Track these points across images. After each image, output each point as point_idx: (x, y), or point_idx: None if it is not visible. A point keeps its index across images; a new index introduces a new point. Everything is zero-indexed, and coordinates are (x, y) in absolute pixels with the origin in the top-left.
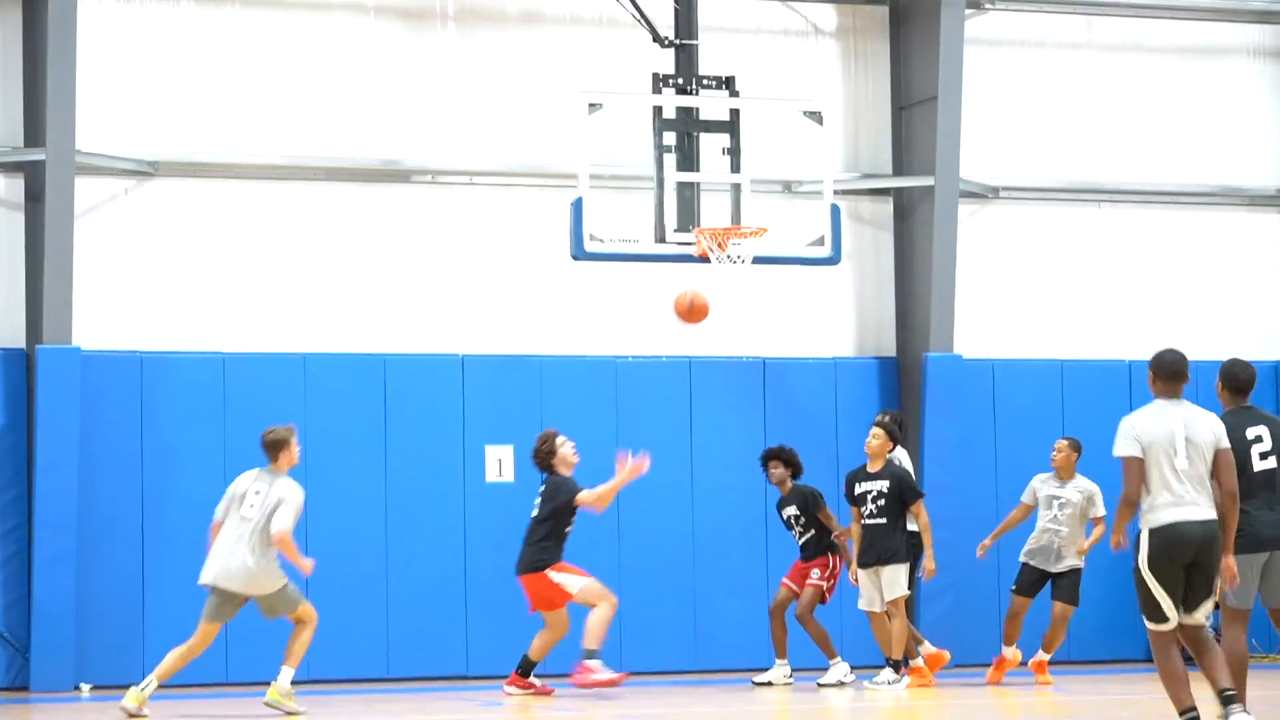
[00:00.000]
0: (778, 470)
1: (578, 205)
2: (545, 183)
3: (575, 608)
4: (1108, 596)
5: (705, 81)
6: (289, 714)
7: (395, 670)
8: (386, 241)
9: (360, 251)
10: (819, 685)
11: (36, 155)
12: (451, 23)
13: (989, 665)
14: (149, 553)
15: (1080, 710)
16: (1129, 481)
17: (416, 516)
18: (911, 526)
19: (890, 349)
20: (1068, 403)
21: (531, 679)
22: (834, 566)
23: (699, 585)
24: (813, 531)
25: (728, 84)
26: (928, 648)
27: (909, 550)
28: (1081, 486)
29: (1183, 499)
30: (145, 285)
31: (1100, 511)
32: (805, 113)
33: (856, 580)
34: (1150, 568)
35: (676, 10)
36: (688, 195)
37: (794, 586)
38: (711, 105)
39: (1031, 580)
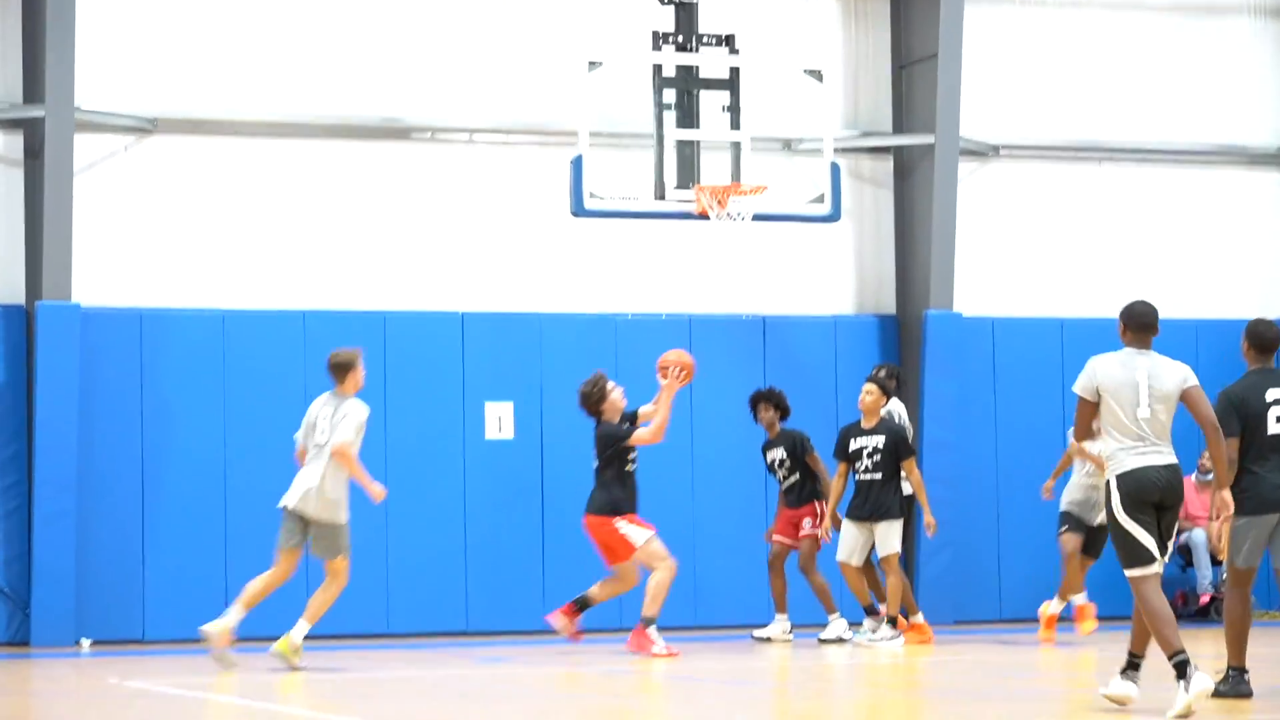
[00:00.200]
0: (767, 413)
1: (577, 163)
2: (545, 140)
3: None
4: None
5: (705, 39)
6: (293, 669)
7: (395, 626)
8: (386, 199)
9: (360, 209)
10: (820, 641)
11: (36, 112)
12: None
13: (989, 622)
14: (149, 509)
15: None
16: (1078, 422)
17: (416, 473)
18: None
19: (890, 307)
20: (1067, 360)
21: (577, 620)
22: (822, 512)
23: (699, 541)
24: (796, 476)
25: (728, 42)
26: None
27: (903, 507)
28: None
29: (1145, 447)
30: (145, 242)
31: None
32: (805, 70)
33: (827, 534)
34: (1127, 512)
35: None
36: (688, 153)
37: (784, 539)
38: (711, 63)
39: (1071, 523)
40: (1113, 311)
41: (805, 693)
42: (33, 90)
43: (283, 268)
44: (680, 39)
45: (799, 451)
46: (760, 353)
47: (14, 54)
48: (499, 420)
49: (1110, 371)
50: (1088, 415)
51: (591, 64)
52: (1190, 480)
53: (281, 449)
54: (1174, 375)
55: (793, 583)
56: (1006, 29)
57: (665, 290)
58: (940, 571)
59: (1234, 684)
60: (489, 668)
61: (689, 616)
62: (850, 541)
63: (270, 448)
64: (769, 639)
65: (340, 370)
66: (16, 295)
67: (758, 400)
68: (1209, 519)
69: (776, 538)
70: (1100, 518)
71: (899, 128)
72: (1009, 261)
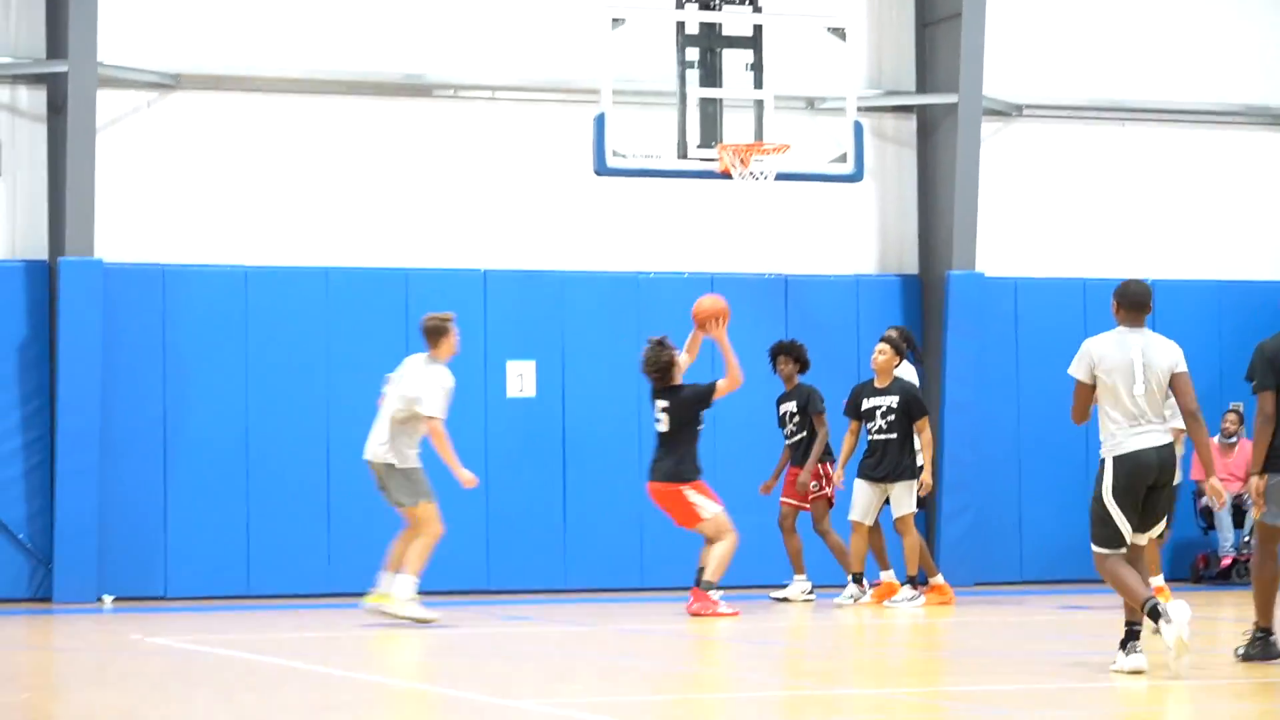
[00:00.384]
0: (786, 366)
1: (600, 121)
2: (568, 98)
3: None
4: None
5: None
6: (420, 620)
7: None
8: (408, 156)
9: (382, 166)
10: (837, 605)
11: (59, 67)
12: None
13: (1010, 584)
14: (170, 465)
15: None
16: (1076, 405)
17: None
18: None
19: (912, 267)
20: (1089, 321)
21: (710, 594)
22: (827, 473)
23: (722, 499)
24: (804, 433)
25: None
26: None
27: (917, 468)
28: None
29: (1141, 426)
30: (167, 198)
31: (1176, 424)
32: (829, 29)
33: (839, 483)
34: (1113, 495)
35: None
36: (710, 111)
37: (791, 501)
38: (735, 21)
39: None
40: (1136, 272)
41: (819, 653)
42: (56, 46)
43: (305, 224)
44: None
45: (810, 408)
46: (782, 312)
47: (37, 9)
48: (520, 378)
49: (1107, 352)
50: (1085, 398)
51: (614, 21)
52: (1214, 442)
53: (303, 405)
54: (1167, 355)
55: (810, 543)
56: None
57: (687, 249)
58: (961, 533)
59: (1261, 646)
60: (513, 625)
61: None
62: (864, 501)
63: (292, 404)
64: (787, 599)
65: (433, 335)
66: (39, 251)
67: (778, 352)
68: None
69: (784, 499)
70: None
71: (922, 87)
72: (1032, 222)
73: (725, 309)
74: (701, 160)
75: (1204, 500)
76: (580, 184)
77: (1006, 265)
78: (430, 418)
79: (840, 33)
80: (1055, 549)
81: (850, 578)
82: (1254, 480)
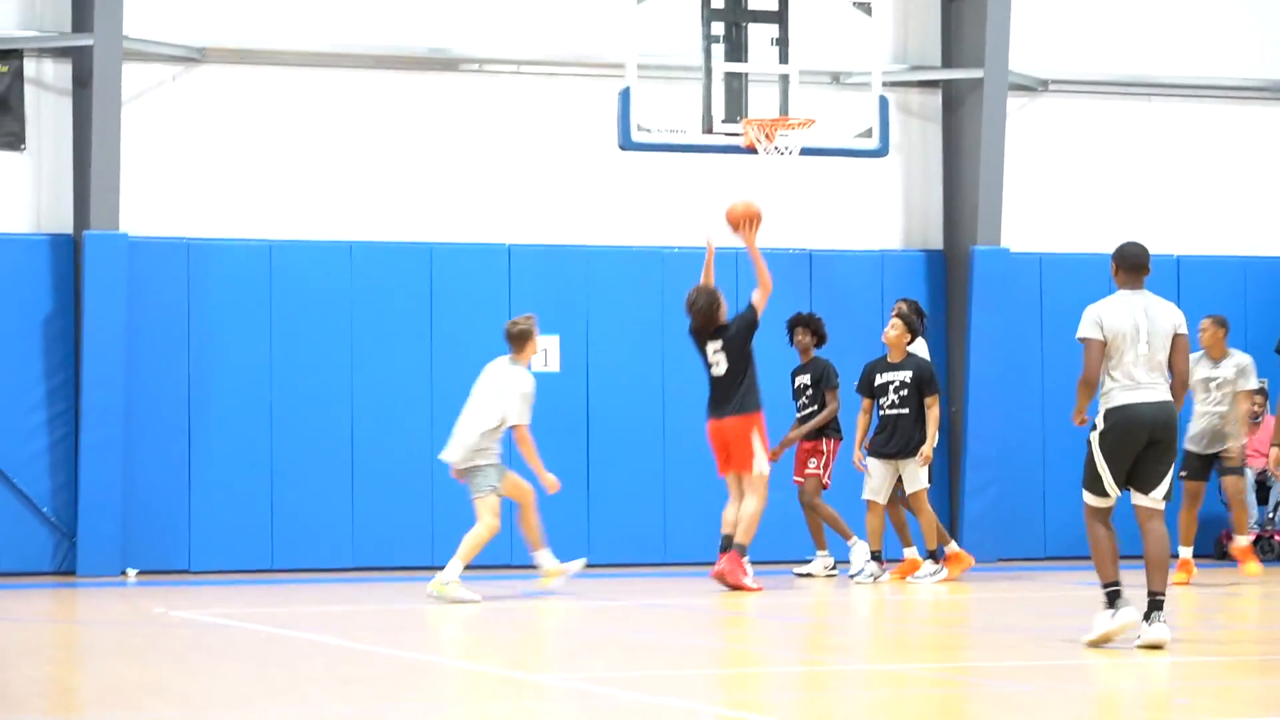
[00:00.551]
0: (803, 338)
1: (625, 95)
2: (592, 72)
3: None
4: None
5: None
6: (454, 601)
7: (439, 558)
8: (433, 130)
9: (407, 140)
10: (856, 581)
11: (84, 40)
12: None
13: (1033, 560)
14: (195, 439)
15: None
16: (1089, 363)
17: (461, 405)
18: None
19: (937, 242)
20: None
21: (733, 557)
22: (828, 453)
23: None
24: (815, 407)
25: None
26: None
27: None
28: (1237, 361)
29: (1139, 383)
30: (192, 172)
31: (1251, 384)
32: (854, 3)
33: (860, 464)
34: (1100, 443)
35: None
36: (735, 86)
37: (801, 479)
38: None
39: (1196, 465)
40: (1162, 248)
41: (841, 628)
42: (81, 19)
43: (329, 198)
44: None
45: (824, 383)
46: (806, 287)
47: None
48: (545, 353)
49: (1115, 312)
50: (1098, 355)
51: None
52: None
53: (327, 379)
54: (1169, 316)
55: (850, 518)
56: None
57: (712, 224)
58: (984, 509)
59: None
60: (535, 600)
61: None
62: (877, 479)
63: (316, 378)
64: (810, 575)
65: (519, 340)
66: (64, 225)
67: (795, 324)
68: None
69: (797, 478)
70: (1218, 446)
71: (948, 61)
72: (1057, 197)
73: (758, 212)
74: (726, 135)
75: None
76: (605, 159)
77: (1031, 241)
78: (518, 424)
79: (866, 7)
80: (1079, 525)
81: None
82: (1274, 451)
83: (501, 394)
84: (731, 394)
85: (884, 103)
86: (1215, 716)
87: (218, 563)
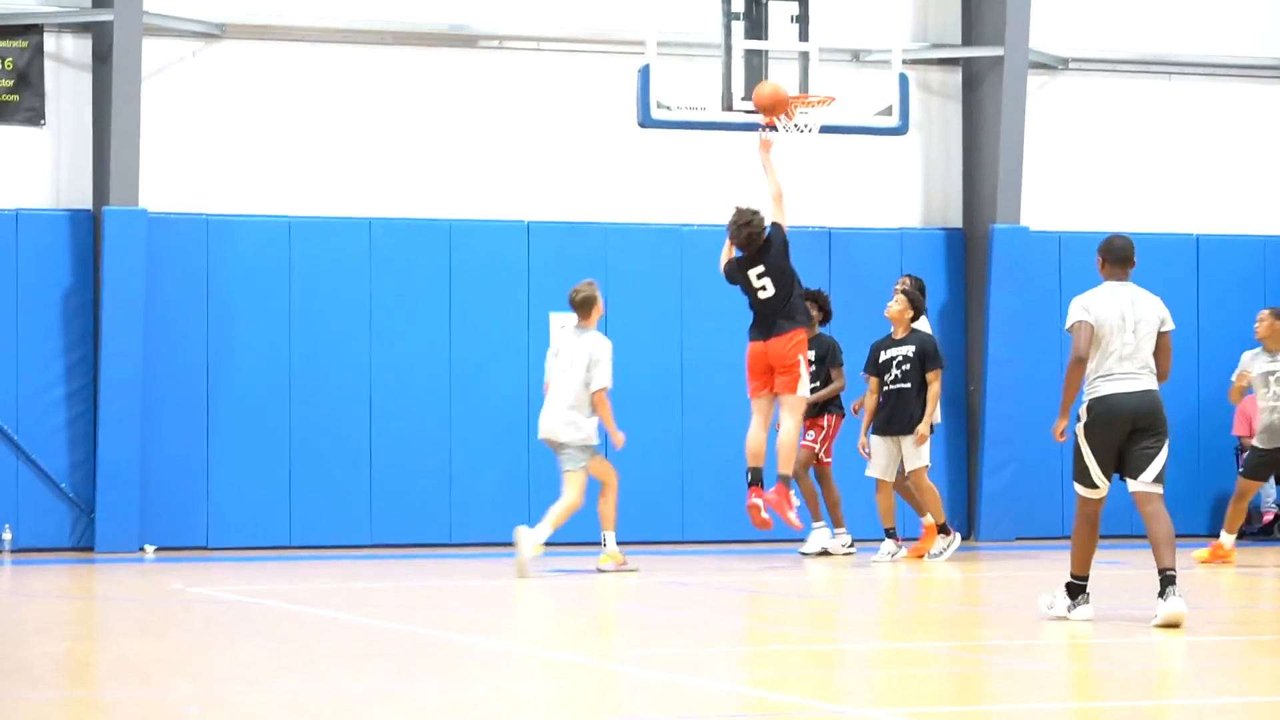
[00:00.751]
0: (811, 314)
1: (645, 72)
2: (612, 49)
3: None
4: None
5: None
6: (623, 570)
7: (457, 535)
8: (453, 107)
9: (426, 117)
10: (874, 561)
11: (104, 16)
12: None
13: (1051, 539)
14: (213, 415)
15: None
16: (1078, 343)
17: (480, 382)
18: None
19: (956, 220)
20: (1134, 276)
21: (768, 492)
22: (828, 429)
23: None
24: (819, 383)
25: None
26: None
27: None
28: None
29: (1122, 374)
30: (211, 148)
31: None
32: None
33: (864, 450)
34: (1086, 435)
35: None
36: (755, 63)
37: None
38: None
39: (1257, 462)
40: (1182, 227)
41: (857, 606)
42: None
43: (349, 175)
44: None
45: (829, 359)
46: (826, 264)
47: None
48: (563, 330)
49: (1103, 302)
50: (1087, 335)
51: None
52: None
53: (345, 355)
54: (1155, 310)
55: (850, 497)
56: None
57: (731, 201)
58: (1002, 488)
59: None
60: (552, 578)
61: (742, 530)
62: (882, 458)
63: (334, 354)
64: (826, 553)
65: (584, 306)
66: (84, 200)
67: (803, 299)
68: None
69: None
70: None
71: (968, 39)
72: (1076, 176)
73: (786, 100)
74: (746, 113)
75: (1245, 456)
76: (624, 136)
77: (1051, 219)
78: (597, 389)
79: None
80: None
81: (885, 532)
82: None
83: (593, 362)
84: (778, 311)
85: (904, 80)
86: (1231, 696)
87: (236, 539)
